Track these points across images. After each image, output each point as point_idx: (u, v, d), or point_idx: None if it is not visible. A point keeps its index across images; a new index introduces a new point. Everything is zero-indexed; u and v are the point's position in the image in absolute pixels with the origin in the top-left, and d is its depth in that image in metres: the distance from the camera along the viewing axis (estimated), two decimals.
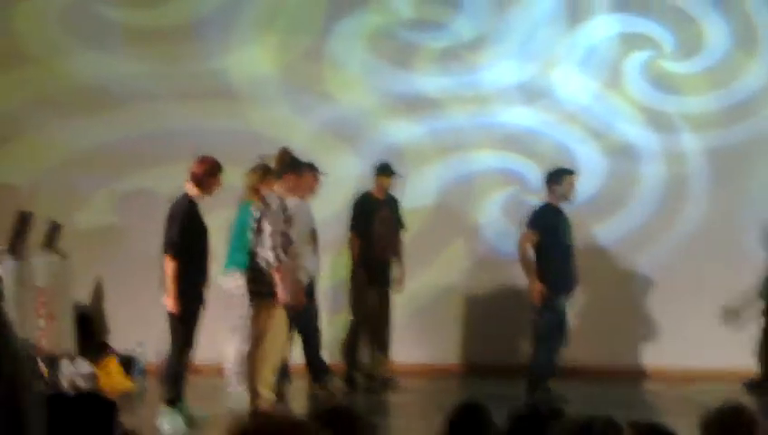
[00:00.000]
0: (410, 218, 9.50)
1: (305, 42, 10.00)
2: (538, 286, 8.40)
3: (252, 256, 7.44)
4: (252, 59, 9.98)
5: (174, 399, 7.34)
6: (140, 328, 9.22)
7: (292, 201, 7.92)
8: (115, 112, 9.91)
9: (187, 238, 7.26)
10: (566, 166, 8.90)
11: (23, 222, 8.69)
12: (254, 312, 7.45)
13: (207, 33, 9.97)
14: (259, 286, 7.40)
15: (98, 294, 9.87)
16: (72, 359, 8.66)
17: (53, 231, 9.20)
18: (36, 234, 9.01)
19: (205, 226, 7.46)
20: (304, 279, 8.14)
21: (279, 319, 7.40)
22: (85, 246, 9.53)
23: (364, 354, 9.15)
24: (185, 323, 7.27)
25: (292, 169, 7.59)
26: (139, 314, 9.40)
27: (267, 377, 7.40)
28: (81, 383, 8.34)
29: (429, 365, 9.74)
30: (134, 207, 9.76)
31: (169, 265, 7.22)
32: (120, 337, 9.54)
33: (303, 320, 8.28)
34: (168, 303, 7.21)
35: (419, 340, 9.79)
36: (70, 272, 9.25)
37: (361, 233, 8.97)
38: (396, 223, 9.16)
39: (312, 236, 8.58)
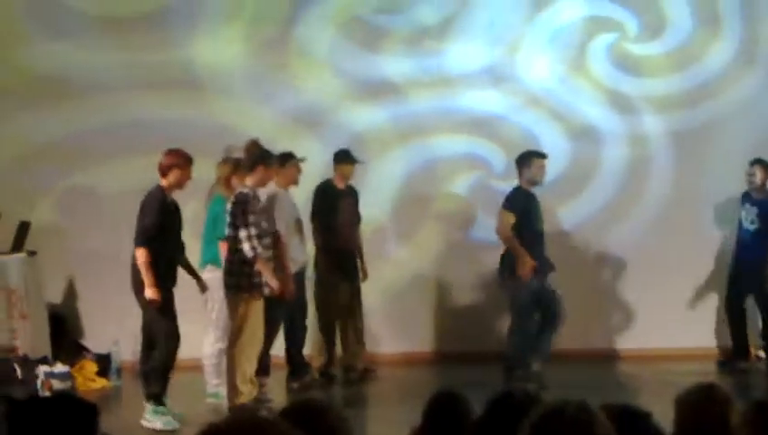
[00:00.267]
0: (376, 205, 9.52)
1: (271, 29, 9.93)
2: (529, 261, 8.37)
3: (229, 249, 7.44)
4: (217, 47, 9.90)
5: (160, 394, 7.27)
6: (114, 326, 9.19)
7: (276, 192, 8.08)
8: (78, 103, 9.80)
9: (160, 230, 7.21)
10: (532, 149, 8.90)
11: None
12: (232, 305, 7.44)
13: (172, 22, 9.87)
14: (236, 279, 7.40)
15: (70, 294, 9.82)
16: (47, 360, 8.62)
17: (22, 230, 9.14)
18: (3, 232, 8.94)
19: (179, 219, 7.41)
20: (293, 269, 8.14)
21: (257, 312, 7.40)
22: (52, 244, 9.44)
23: (339, 346, 9.13)
24: (165, 315, 7.21)
25: (261, 160, 7.59)
26: (113, 311, 9.36)
27: (246, 372, 7.41)
28: (58, 385, 8.29)
29: (401, 354, 9.75)
30: (100, 203, 9.68)
31: (141, 255, 7.15)
32: (94, 336, 9.51)
33: (290, 313, 8.27)
34: (149, 292, 7.11)
35: (390, 329, 9.80)
36: (41, 271, 9.19)
37: (324, 222, 8.90)
38: (357, 214, 9.12)
39: (298, 227, 8.57)
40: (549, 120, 10.02)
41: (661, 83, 10.07)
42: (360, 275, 9.08)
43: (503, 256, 8.59)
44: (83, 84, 9.77)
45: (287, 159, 8.41)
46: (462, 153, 10.00)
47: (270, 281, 7.34)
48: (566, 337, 9.82)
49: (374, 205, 9.54)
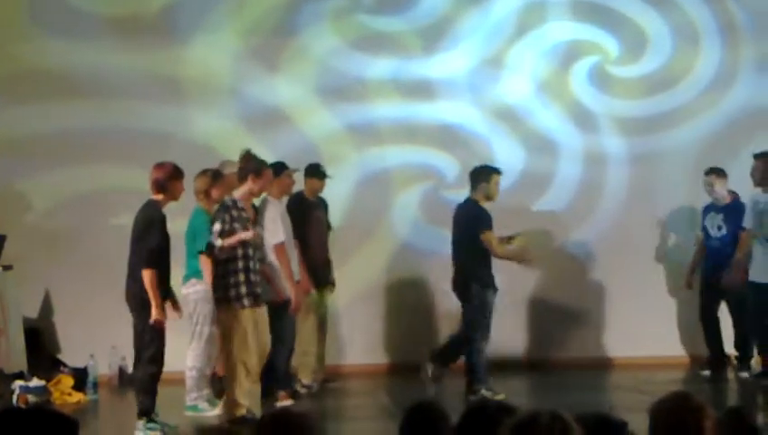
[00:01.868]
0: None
1: (257, 36, 9.91)
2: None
3: (218, 261, 7.43)
4: (198, 57, 9.86)
5: (150, 410, 7.23)
6: (91, 340, 9.16)
7: (267, 200, 8.13)
8: (55, 104, 9.68)
9: (161, 247, 7.19)
10: (488, 164, 8.81)
11: None
12: (224, 318, 7.43)
13: (151, 30, 9.79)
14: (223, 291, 7.40)
15: (46, 308, 9.76)
16: (23, 375, 8.57)
17: None
18: None
19: (168, 234, 7.38)
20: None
21: (247, 323, 7.41)
22: (28, 257, 9.32)
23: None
24: (158, 334, 7.18)
25: (252, 171, 7.60)
26: (89, 326, 9.33)
27: (245, 384, 7.43)
28: (33, 399, 8.24)
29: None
30: (78, 214, 9.64)
31: (148, 275, 7.09)
32: (70, 350, 9.46)
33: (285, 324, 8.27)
34: (155, 313, 7.07)
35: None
36: (17, 284, 9.13)
37: (299, 235, 8.84)
38: (327, 224, 9.15)
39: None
40: (515, 137, 10.04)
41: (636, 105, 10.13)
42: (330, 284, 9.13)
43: (462, 271, 8.52)
44: (65, 84, 9.64)
45: (280, 169, 8.44)
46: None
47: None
48: (542, 346, 9.93)
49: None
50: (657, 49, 10.18)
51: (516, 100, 10.11)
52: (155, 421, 7.23)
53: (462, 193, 8.76)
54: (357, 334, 9.81)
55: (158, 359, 7.22)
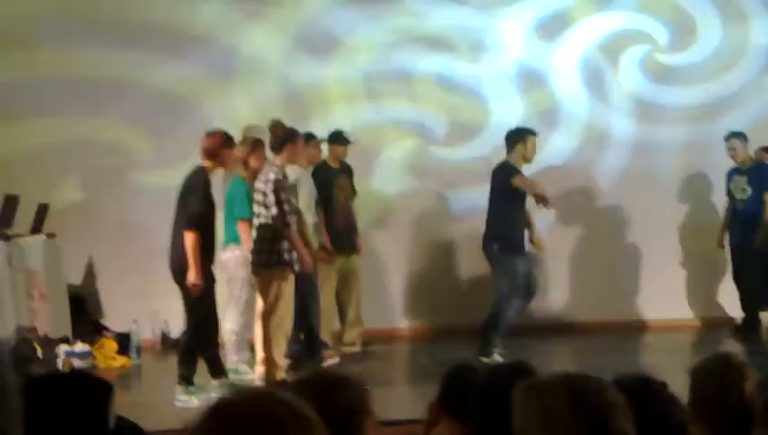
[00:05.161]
0: None
1: None
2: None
3: (259, 227, 7.44)
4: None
5: (188, 376, 7.26)
6: (134, 305, 9.23)
7: (295, 171, 8.11)
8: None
9: (203, 212, 7.21)
10: (523, 126, 8.76)
11: (9, 204, 8.69)
12: (264, 282, 7.46)
13: None
14: (267, 256, 7.42)
15: (90, 274, 9.85)
16: (67, 340, 8.67)
17: (41, 212, 9.17)
18: (22, 215, 8.96)
19: (214, 200, 7.41)
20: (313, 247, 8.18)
21: (289, 286, 7.45)
22: (71, 225, 9.40)
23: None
24: (202, 299, 7.17)
25: (288, 139, 7.61)
26: (132, 291, 9.39)
27: (282, 345, 7.50)
28: (78, 363, 8.34)
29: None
30: (111, 180, 9.68)
31: (189, 238, 7.10)
32: (114, 315, 9.54)
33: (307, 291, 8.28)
34: (191, 276, 7.08)
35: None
36: (60, 252, 9.21)
37: (323, 203, 8.88)
38: (352, 190, 9.15)
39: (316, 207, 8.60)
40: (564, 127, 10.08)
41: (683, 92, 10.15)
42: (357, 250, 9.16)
43: (496, 231, 8.41)
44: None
45: (307, 139, 8.43)
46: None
47: (304, 257, 7.41)
48: (580, 309, 9.89)
49: None
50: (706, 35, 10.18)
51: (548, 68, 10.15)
52: (194, 384, 7.26)
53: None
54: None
55: (199, 327, 7.22)
